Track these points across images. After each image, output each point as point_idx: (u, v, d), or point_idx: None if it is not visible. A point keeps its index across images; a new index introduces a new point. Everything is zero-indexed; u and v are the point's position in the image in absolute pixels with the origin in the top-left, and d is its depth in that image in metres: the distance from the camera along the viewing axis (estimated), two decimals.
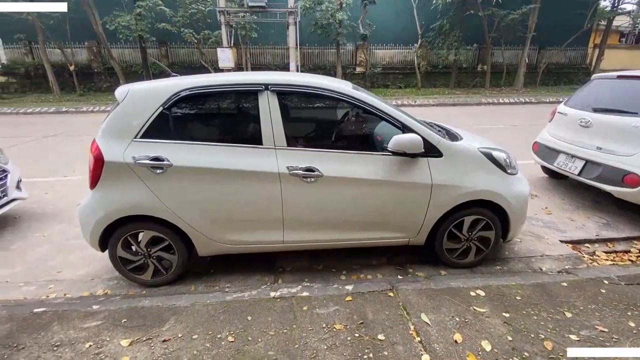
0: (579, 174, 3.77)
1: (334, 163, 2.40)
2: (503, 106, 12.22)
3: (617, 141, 3.48)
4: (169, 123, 2.37)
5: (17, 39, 14.74)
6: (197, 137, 2.41)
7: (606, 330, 1.92)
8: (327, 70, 15.65)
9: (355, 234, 2.60)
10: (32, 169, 5.12)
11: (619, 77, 3.84)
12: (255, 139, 2.38)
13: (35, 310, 2.07)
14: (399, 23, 16.10)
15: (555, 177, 4.70)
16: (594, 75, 4.28)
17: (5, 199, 3.41)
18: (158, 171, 2.28)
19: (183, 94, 2.32)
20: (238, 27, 14.00)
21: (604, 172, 3.53)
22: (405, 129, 2.44)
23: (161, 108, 2.30)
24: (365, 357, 1.72)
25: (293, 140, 2.46)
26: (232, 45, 13.52)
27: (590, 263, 2.94)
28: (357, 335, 1.85)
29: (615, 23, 16.79)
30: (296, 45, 13.06)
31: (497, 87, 15.73)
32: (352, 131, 2.85)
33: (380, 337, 1.84)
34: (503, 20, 14.15)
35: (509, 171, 2.67)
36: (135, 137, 2.30)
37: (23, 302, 2.29)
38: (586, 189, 4.29)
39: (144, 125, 2.30)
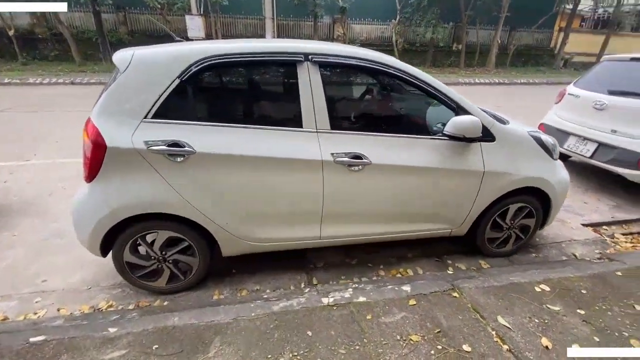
0: (591, 157, 3.79)
1: (383, 149, 2.11)
2: (479, 86, 12.37)
3: (634, 124, 3.50)
4: (189, 99, 1.93)
5: None
6: (224, 117, 1.97)
7: None
8: None
9: (399, 226, 2.37)
10: None
11: (633, 59, 3.83)
12: (292, 120, 2.01)
13: (31, 339, 1.60)
14: None
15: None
16: (604, 57, 4.26)
17: None
18: (178, 159, 1.85)
19: (206, 62, 1.85)
20: None
21: (618, 155, 3.55)
22: (460, 110, 2.19)
23: (178, 80, 1.83)
24: None
25: (337, 122, 2.11)
26: (201, 13, 12.30)
27: (614, 246, 2.97)
28: (439, 347, 1.63)
29: (578, 7, 17.40)
30: (273, 15, 12.15)
31: (471, 67, 15.88)
32: (402, 112, 2.53)
33: (466, 347, 1.63)
34: None
35: (554, 157, 2.54)
36: (145, 117, 1.83)
37: (9, 328, 1.78)
38: (591, 171, 4.35)
39: (156, 102, 1.83)
